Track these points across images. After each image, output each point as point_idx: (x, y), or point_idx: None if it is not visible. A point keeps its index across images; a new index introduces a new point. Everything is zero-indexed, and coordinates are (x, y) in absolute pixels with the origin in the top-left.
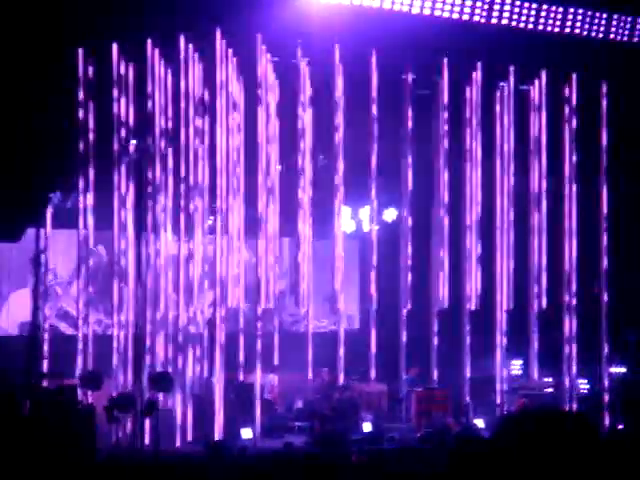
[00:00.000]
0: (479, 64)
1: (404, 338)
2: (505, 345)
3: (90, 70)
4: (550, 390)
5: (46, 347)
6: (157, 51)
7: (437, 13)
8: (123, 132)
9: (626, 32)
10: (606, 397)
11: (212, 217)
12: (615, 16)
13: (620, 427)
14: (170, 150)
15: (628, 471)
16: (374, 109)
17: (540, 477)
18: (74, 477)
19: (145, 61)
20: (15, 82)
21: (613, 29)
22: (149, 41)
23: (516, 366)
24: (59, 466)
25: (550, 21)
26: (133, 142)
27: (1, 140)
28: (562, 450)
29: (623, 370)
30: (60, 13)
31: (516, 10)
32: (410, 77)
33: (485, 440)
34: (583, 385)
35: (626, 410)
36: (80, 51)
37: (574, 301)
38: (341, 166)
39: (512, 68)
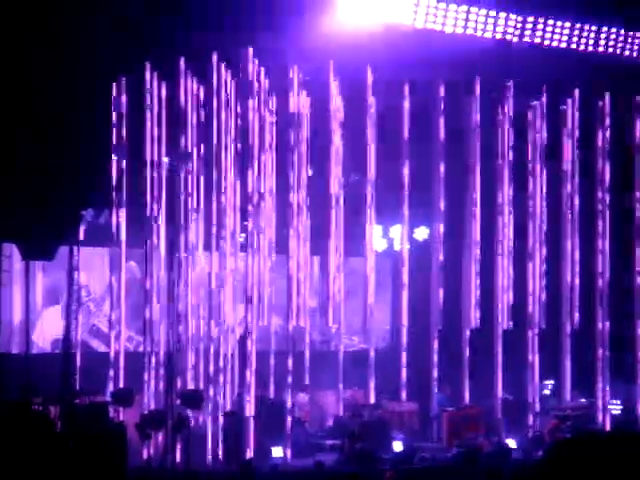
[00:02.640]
0: (510, 82)
1: (435, 357)
2: (537, 365)
3: (123, 88)
4: (582, 411)
5: (78, 364)
6: (189, 69)
7: (469, 32)
8: (155, 150)
9: None
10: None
11: (243, 235)
12: None
13: None
14: (202, 168)
15: None
16: (405, 127)
17: None
18: None
19: (177, 79)
20: (48, 99)
21: None
22: (182, 60)
23: (548, 386)
24: None
25: (583, 40)
26: (165, 159)
27: (34, 157)
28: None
29: None
30: (94, 32)
31: (549, 29)
32: (441, 95)
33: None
34: (616, 406)
35: None
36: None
37: (607, 321)
38: (372, 184)
39: (544, 86)
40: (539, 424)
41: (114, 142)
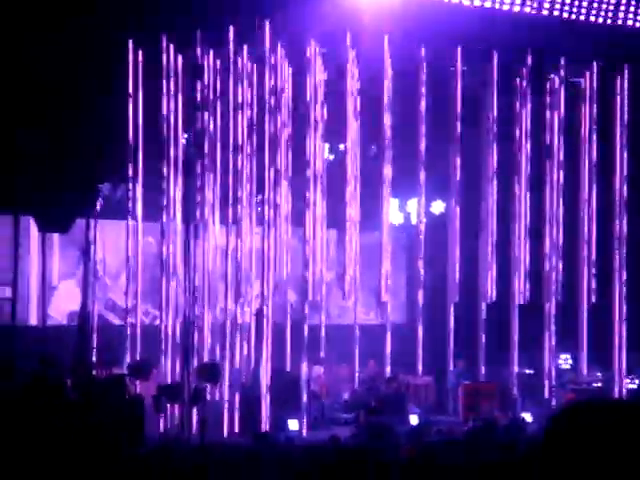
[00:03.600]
0: (528, 56)
1: (452, 331)
2: (554, 339)
3: (140, 60)
4: (599, 385)
5: (95, 337)
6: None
7: (487, 4)
8: (172, 124)
9: None
10: None
11: (260, 208)
12: None
13: None
14: (218, 142)
15: None
16: (423, 101)
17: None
18: (122, 465)
19: (194, 52)
20: (64, 73)
21: None
22: (198, 33)
23: (565, 360)
24: (108, 454)
25: (602, 12)
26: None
27: (50, 131)
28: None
29: None
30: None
31: (567, 1)
32: (459, 69)
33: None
34: (632, 381)
35: None
36: (130, 41)
37: (624, 295)
38: (390, 157)
39: (562, 60)
40: (556, 398)
41: (131, 116)
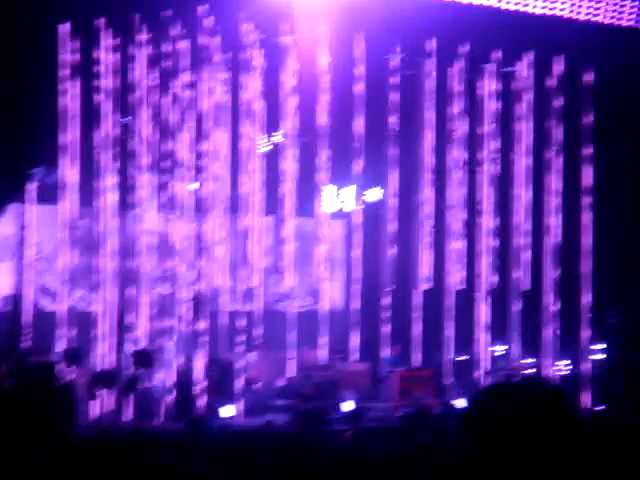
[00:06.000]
0: (464, 46)
1: (387, 318)
2: (488, 326)
3: (74, 42)
4: (531, 371)
5: (28, 323)
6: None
7: None
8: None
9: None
10: (585, 380)
11: (195, 194)
12: None
13: (600, 409)
14: (152, 126)
15: (609, 454)
16: (360, 88)
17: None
18: (54, 453)
19: (129, 34)
20: None
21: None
22: (136, 16)
23: (498, 348)
24: (39, 442)
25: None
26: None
27: None
28: (539, 422)
29: (603, 354)
30: None
31: None
32: (396, 57)
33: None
34: (564, 367)
35: (605, 394)
36: (65, 23)
37: (556, 282)
38: (325, 145)
39: (496, 51)
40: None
41: (69, 99)
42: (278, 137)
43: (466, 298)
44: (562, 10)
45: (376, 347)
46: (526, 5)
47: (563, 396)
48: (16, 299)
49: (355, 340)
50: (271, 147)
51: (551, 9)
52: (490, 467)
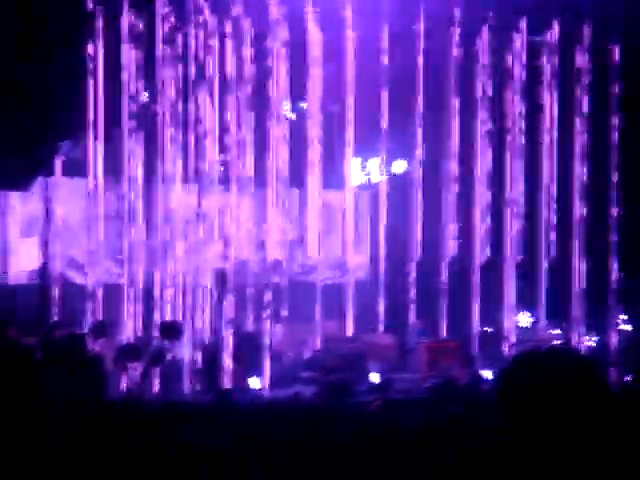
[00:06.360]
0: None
1: (414, 290)
2: (515, 297)
3: (100, 18)
4: (558, 342)
5: (56, 296)
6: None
7: None
8: (132, 81)
9: None
10: (613, 351)
11: (222, 167)
12: None
13: (628, 379)
14: (179, 101)
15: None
16: (385, 59)
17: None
18: (84, 424)
19: (154, 11)
20: (23, 28)
21: None
22: None
23: (525, 318)
24: (69, 413)
25: None
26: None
27: (10, 89)
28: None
29: (630, 325)
30: None
31: None
32: (422, 27)
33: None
34: (591, 338)
35: (634, 364)
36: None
37: (583, 251)
38: (351, 116)
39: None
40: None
41: (91, 72)
42: (303, 106)
43: (491, 269)
44: None
45: (403, 318)
46: None
47: (592, 364)
48: (44, 272)
49: (382, 311)
50: (295, 116)
51: None
52: (522, 438)
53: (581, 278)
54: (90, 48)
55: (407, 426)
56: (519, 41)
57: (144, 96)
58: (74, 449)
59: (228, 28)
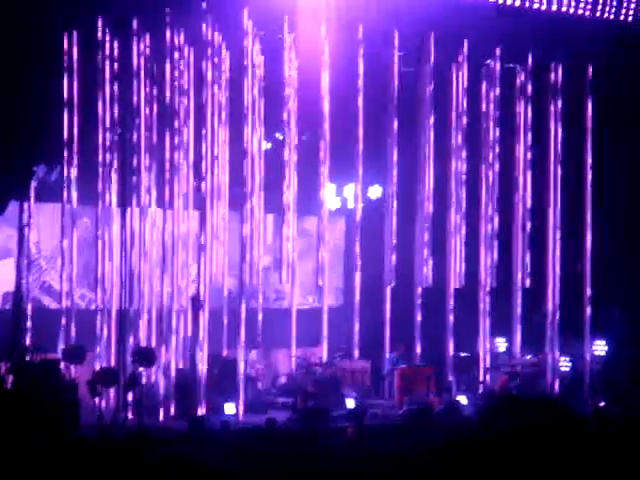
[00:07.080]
0: (465, 43)
1: (388, 315)
2: (489, 323)
3: (75, 43)
4: (531, 368)
5: (29, 320)
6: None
7: None
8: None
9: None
10: (587, 375)
11: (198, 192)
12: None
13: (601, 404)
14: (154, 127)
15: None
16: (360, 84)
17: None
18: (57, 451)
19: (130, 37)
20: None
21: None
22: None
23: (500, 344)
24: (42, 440)
25: None
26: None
27: None
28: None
29: (604, 349)
30: None
31: None
32: (397, 55)
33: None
34: (565, 363)
35: (607, 389)
36: (66, 24)
37: (557, 279)
38: (327, 142)
39: (498, 48)
40: (490, 380)
41: (66, 98)
42: (279, 135)
43: (467, 295)
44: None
45: (377, 345)
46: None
47: (561, 407)
48: (18, 297)
49: (356, 337)
50: (271, 145)
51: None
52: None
53: (555, 304)
54: (66, 79)
55: (382, 452)
56: (492, 69)
57: (117, 128)
58: (47, 473)
59: (205, 63)
